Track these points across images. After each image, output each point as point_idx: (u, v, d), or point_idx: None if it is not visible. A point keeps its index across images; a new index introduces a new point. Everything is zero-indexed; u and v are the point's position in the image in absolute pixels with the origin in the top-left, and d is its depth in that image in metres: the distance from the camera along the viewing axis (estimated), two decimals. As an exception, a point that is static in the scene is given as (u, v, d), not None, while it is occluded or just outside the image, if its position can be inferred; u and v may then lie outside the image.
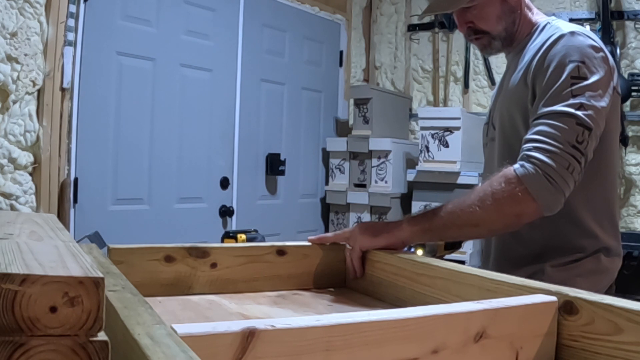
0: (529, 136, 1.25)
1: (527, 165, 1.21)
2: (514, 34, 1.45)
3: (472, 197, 1.25)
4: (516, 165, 1.23)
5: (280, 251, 1.32)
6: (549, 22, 1.41)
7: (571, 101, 1.22)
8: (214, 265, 1.25)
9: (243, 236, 1.73)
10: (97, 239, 2.43)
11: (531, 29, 1.44)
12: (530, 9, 1.47)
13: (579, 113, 1.21)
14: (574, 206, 1.32)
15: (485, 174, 1.54)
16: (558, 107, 1.23)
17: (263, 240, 1.71)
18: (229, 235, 1.75)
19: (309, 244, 1.36)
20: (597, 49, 1.29)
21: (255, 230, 1.80)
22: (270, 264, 1.30)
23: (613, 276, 1.41)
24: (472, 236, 1.35)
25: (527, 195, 1.20)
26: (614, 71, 1.31)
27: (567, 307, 0.83)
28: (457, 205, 1.27)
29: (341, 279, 1.38)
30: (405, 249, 1.39)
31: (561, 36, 1.30)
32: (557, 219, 1.27)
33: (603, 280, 1.37)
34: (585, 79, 1.24)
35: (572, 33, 1.30)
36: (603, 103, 1.25)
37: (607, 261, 1.37)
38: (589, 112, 1.22)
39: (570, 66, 1.25)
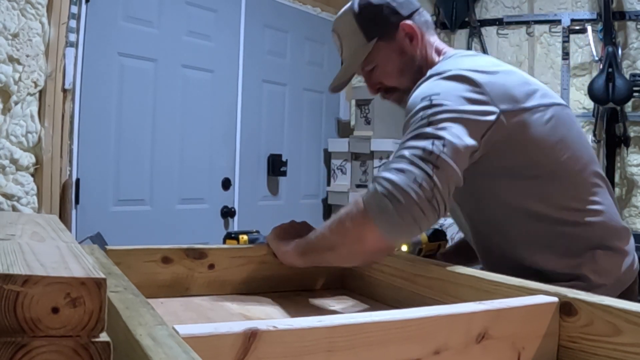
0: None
1: (371, 184, 1.09)
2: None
3: (330, 220, 1.15)
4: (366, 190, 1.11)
5: None
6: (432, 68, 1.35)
7: (415, 124, 1.14)
8: (211, 267, 1.25)
9: (245, 237, 1.73)
10: (99, 240, 2.44)
11: None
12: (437, 51, 1.42)
13: (427, 129, 1.11)
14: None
15: None
16: (408, 135, 1.14)
17: (265, 241, 1.70)
18: (231, 236, 1.75)
19: None
20: (460, 79, 1.20)
21: (257, 231, 1.80)
22: (267, 265, 1.30)
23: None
24: (334, 261, 1.19)
25: (366, 215, 1.06)
26: (508, 92, 1.21)
27: (566, 308, 0.82)
28: (320, 228, 1.18)
29: (338, 281, 1.38)
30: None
31: (418, 85, 1.26)
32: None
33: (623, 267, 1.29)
34: (440, 105, 1.14)
35: (429, 77, 1.25)
36: (457, 124, 1.13)
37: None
38: (437, 125, 1.11)
39: (421, 102, 1.17)
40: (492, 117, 1.18)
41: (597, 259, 1.25)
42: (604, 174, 1.36)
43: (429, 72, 1.29)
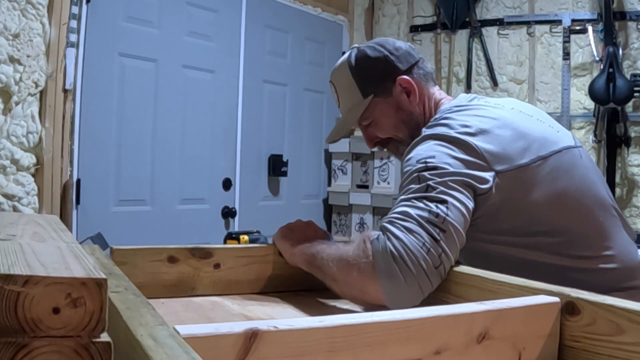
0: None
1: (381, 238, 1.07)
2: (419, 131, 1.32)
3: (338, 251, 1.14)
4: (374, 234, 1.10)
5: None
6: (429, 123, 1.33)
7: (414, 186, 1.13)
8: (217, 266, 1.25)
9: (245, 237, 1.73)
10: (99, 240, 2.44)
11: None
12: (435, 103, 1.41)
13: (429, 193, 1.10)
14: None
15: None
16: (406, 194, 1.13)
17: (266, 241, 1.70)
18: (232, 237, 1.75)
19: None
20: (451, 140, 1.19)
21: (258, 232, 1.80)
22: (273, 265, 1.30)
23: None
24: (334, 290, 1.17)
25: (373, 273, 1.05)
26: (502, 149, 1.19)
27: (569, 307, 0.82)
28: (330, 253, 1.15)
29: None
30: None
31: (412, 144, 1.24)
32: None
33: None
34: (435, 169, 1.13)
35: (423, 137, 1.23)
36: (454, 185, 1.13)
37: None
38: (437, 188, 1.11)
39: (417, 165, 1.16)
40: (488, 184, 1.15)
41: None
42: (615, 207, 1.31)
43: (424, 131, 1.26)
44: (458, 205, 1.10)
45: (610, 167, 3.40)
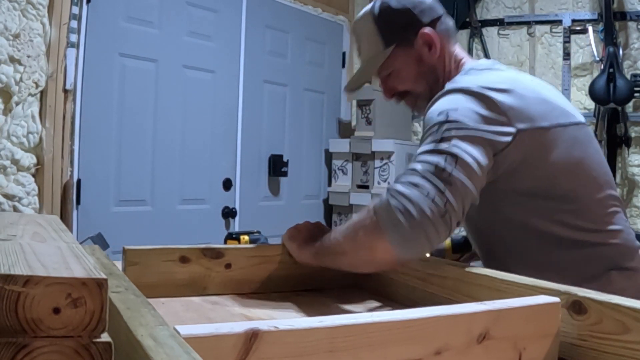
0: None
1: (384, 195, 1.09)
2: (439, 89, 1.33)
3: (345, 225, 1.16)
4: (377, 199, 1.11)
5: None
6: (451, 79, 1.34)
7: (430, 138, 1.14)
8: (228, 266, 1.27)
9: (246, 237, 1.73)
10: (100, 240, 2.44)
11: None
12: (457, 62, 1.41)
13: (441, 147, 1.11)
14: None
15: None
16: (421, 150, 1.14)
17: (266, 241, 1.70)
18: (232, 237, 1.75)
19: None
20: (470, 93, 1.20)
21: (258, 232, 1.80)
22: (283, 265, 1.32)
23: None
24: (345, 266, 1.19)
25: (378, 228, 1.06)
26: (523, 110, 1.20)
27: (576, 306, 0.83)
28: (336, 231, 1.18)
29: (354, 280, 1.39)
30: None
31: (435, 99, 1.25)
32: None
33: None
34: (456, 122, 1.14)
35: (444, 92, 1.24)
36: (471, 143, 1.13)
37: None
38: (451, 141, 1.12)
39: (437, 117, 1.17)
40: (508, 138, 1.16)
41: (612, 281, 1.22)
42: (619, 197, 1.34)
43: (447, 86, 1.27)
44: (469, 160, 1.10)
45: (611, 167, 3.37)
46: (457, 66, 1.40)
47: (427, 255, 1.41)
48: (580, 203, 1.24)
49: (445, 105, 1.20)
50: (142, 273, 1.17)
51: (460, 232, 1.51)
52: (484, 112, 1.17)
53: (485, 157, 1.13)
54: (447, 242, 1.53)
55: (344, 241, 1.13)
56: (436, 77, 1.39)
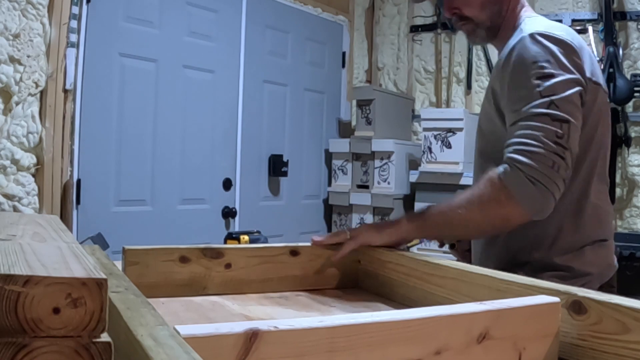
0: (508, 141, 1.24)
1: (510, 169, 1.20)
2: (499, 24, 1.44)
3: (462, 198, 1.27)
4: (499, 169, 1.22)
5: (294, 252, 1.33)
6: (523, 21, 1.40)
7: (540, 101, 1.21)
8: (228, 266, 1.26)
9: (246, 237, 1.73)
10: (100, 240, 2.44)
11: (515, 25, 1.42)
12: (520, 3, 1.45)
13: (551, 111, 1.20)
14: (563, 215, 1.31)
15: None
16: (529, 110, 1.22)
17: (266, 241, 1.71)
18: (232, 237, 1.76)
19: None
20: (563, 44, 1.27)
21: (258, 232, 1.80)
22: (283, 265, 1.31)
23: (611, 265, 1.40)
24: (464, 236, 1.38)
25: (511, 199, 1.19)
26: (589, 63, 1.30)
27: (576, 306, 0.83)
28: (448, 205, 1.29)
29: (354, 280, 1.39)
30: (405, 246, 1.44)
31: (522, 39, 1.29)
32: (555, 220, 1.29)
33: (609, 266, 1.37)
34: (552, 76, 1.23)
35: (533, 35, 1.28)
36: (574, 97, 1.23)
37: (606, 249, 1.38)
38: (562, 105, 1.21)
39: (532, 67, 1.24)
40: (585, 91, 1.26)
41: (586, 254, 1.33)
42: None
43: (528, 29, 1.31)
44: (576, 124, 1.22)
45: (611, 167, 3.38)
46: (516, 11, 1.44)
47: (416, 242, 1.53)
48: (591, 165, 1.34)
49: (536, 54, 1.25)
50: (142, 273, 1.17)
51: None
52: (575, 60, 1.26)
53: (581, 112, 1.24)
54: None
55: (470, 214, 1.25)
56: (499, 11, 1.43)
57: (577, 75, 1.25)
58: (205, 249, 1.25)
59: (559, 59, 1.24)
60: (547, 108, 1.20)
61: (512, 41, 1.34)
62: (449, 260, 1.21)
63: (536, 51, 1.26)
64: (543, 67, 1.23)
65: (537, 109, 1.21)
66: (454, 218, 1.27)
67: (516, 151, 1.20)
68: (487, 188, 1.22)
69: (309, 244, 1.38)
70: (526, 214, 1.20)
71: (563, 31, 1.30)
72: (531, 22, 1.36)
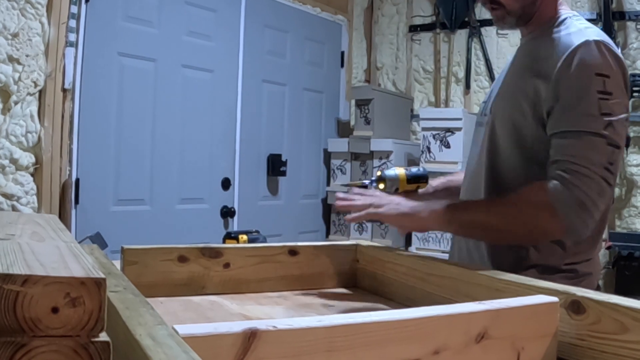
0: (559, 156, 1.22)
1: (561, 187, 1.19)
2: (532, 14, 1.38)
3: (504, 204, 1.26)
4: (550, 184, 1.20)
5: (292, 251, 1.33)
6: (569, 17, 1.36)
7: (600, 120, 1.19)
8: (226, 266, 1.27)
9: (244, 237, 1.73)
10: (98, 239, 2.44)
11: (553, 16, 1.38)
12: None
13: (608, 133, 1.18)
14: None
15: (469, 159, 1.52)
16: (587, 127, 1.19)
17: (265, 241, 1.71)
18: (231, 236, 1.75)
19: (321, 244, 1.38)
20: (617, 59, 1.24)
21: (257, 231, 1.80)
22: (282, 264, 1.32)
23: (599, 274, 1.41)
24: (495, 241, 1.33)
25: (556, 217, 1.19)
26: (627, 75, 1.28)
27: (574, 306, 0.83)
28: (487, 208, 1.29)
29: (353, 279, 1.39)
30: (367, 182, 1.49)
31: (587, 43, 1.24)
32: None
33: (594, 280, 1.36)
34: (611, 94, 1.20)
35: (597, 42, 1.24)
36: (626, 123, 1.23)
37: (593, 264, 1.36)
38: (617, 130, 1.19)
39: (597, 80, 1.21)
40: (627, 111, 1.26)
41: (594, 258, 1.34)
42: None
43: (590, 35, 1.26)
44: (623, 148, 1.23)
45: (609, 167, 3.39)
46: (557, 2, 1.40)
47: (382, 186, 1.48)
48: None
49: (598, 63, 1.22)
50: (140, 272, 1.17)
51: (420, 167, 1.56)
52: (624, 76, 1.24)
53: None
54: (402, 173, 1.50)
55: (509, 223, 1.24)
56: (534, 1, 1.38)
57: (626, 100, 1.24)
58: (204, 248, 1.25)
59: (619, 79, 1.23)
60: (605, 129, 1.18)
61: (562, 36, 1.29)
62: (448, 260, 1.21)
63: (602, 63, 1.22)
64: (605, 82, 1.20)
65: (595, 129, 1.19)
66: (491, 222, 1.26)
67: (569, 170, 1.19)
68: (533, 200, 1.21)
69: (307, 243, 1.38)
70: (566, 234, 1.21)
71: (611, 42, 1.28)
72: (583, 23, 1.32)
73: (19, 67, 2.46)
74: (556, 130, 1.23)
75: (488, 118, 1.41)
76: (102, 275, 0.51)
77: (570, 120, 1.21)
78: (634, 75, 3.31)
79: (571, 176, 1.18)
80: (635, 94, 3.28)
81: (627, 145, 3.37)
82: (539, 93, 1.27)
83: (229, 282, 1.26)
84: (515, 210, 1.24)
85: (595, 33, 1.27)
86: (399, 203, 1.34)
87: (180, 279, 1.22)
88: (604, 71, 1.21)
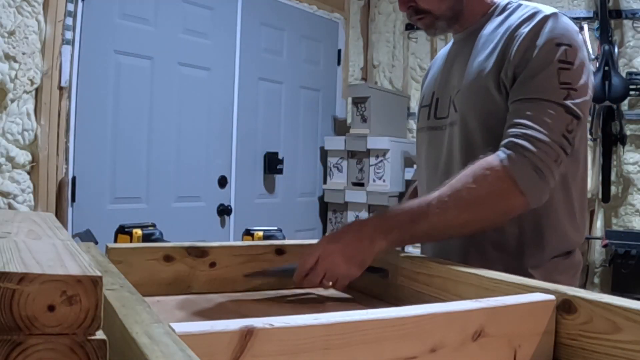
0: (515, 120, 1.16)
1: (515, 155, 1.13)
2: (460, 13, 1.34)
3: (455, 195, 1.13)
4: (502, 155, 1.14)
5: (279, 250, 1.32)
6: (511, 2, 1.33)
7: (559, 88, 1.16)
8: (212, 265, 1.25)
9: (139, 232, 1.70)
10: (88, 237, 2.43)
11: (487, 9, 1.34)
12: None
13: (568, 102, 1.15)
14: (555, 206, 1.25)
15: (426, 167, 1.43)
16: (546, 95, 1.16)
17: (161, 236, 1.69)
18: (124, 231, 1.72)
19: (308, 242, 1.36)
20: (578, 33, 1.24)
21: (153, 225, 1.76)
22: (269, 263, 1.30)
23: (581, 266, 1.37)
24: (456, 236, 1.24)
25: (516, 189, 1.12)
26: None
27: (566, 305, 0.82)
28: (438, 206, 1.14)
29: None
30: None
31: (546, 17, 1.22)
32: (536, 220, 1.24)
33: (577, 273, 1.34)
34: (572, 64, 1.17)
35: (556, 15, 1.23)
36: (589, 92, 1.20)
37: (578, 255, 1.33)
38: (577, 100, 1.16)
39: (559, 49, 1.18)
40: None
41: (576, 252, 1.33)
42: None
43: (543, 9, 1.25)
44: (584, 121, 1.20)
45: (606, 165, 3.41)
46: None
47: None
48: (583, 181, 1.33)
49: (560, 33, 1.20)
50: (125, 272, 1.16)
51: None
52: (585, 52, 1.22)
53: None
54: None
55: (469, 214, 1.15)
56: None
57: (589, 69, 1.23)
58: (190, 247, 1.24)
59: (580, 48, 1.21)
60: (565, 98, 1.15)
61: (513, 19, 1.26)
62: (436, 258, 1.21)
63: (566, 35, 1.20)
64: (567, 52, 1.18)
65: (554, 97, 1.16)
66: (449, 220, 1.14)
67: (524, 136, 1.13)
68: (488, 179, 1.13)
69: (294, 242, 1.37)
70: (528, 204, 1.14)
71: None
72: (532, 3, 1.29)
73: (16, 65, 2.45)
74: (515, 98, 1.20)
75: (453, 119, 1.33)
76: (99, 274, 0.50)
77: (530, 88, 1.18)
78: (630, 73, 3.31)
79: (525, 142, 1.13)
80: (632, 92, 3.28)
81: (624, 144, 3.38)
82: (507, 72, 1.23)
83: (215, 281, 1.25)
84: (473, 199, 1.13)
85: (549, 7, 1.26)
86: (333, 252, 1.14)
87: (165, 278, 1.20)
88: (564, 40, 1.19)
